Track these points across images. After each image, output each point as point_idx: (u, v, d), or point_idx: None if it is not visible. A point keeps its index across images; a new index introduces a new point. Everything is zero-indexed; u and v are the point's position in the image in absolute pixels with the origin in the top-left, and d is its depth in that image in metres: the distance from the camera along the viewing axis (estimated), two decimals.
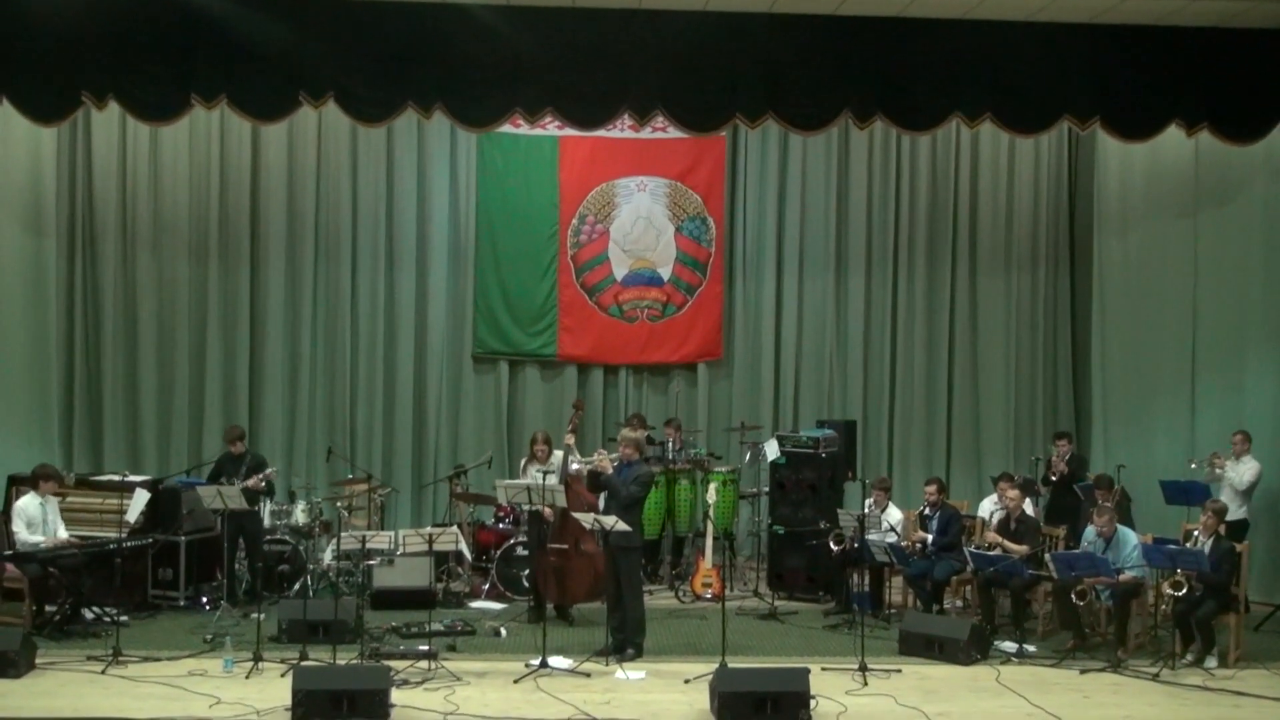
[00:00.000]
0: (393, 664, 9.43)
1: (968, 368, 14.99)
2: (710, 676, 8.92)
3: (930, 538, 11.54)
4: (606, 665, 9.87)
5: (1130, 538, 10.68)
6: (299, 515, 12.20)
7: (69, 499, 11.62)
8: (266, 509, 12.16)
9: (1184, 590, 9.92)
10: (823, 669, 9.62)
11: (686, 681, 9.42)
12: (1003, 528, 11.37)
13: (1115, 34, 11.49)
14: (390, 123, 12.50)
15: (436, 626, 10.60)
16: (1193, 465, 12.25)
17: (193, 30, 11.07)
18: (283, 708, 8.58)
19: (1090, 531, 10.86)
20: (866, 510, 11.50)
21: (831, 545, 11.57)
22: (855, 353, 14.93)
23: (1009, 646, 10.55)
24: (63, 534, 11.01)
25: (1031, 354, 15.03)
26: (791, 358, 14.93)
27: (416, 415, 14.63)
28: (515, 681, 9.45)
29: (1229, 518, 11.40)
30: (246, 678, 9.42)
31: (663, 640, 10.65)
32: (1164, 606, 10.65)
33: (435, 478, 14.26)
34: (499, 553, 12.16)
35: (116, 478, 12.08)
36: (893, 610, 11.80)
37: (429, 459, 14.63)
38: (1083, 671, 10.00)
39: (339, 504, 12.22)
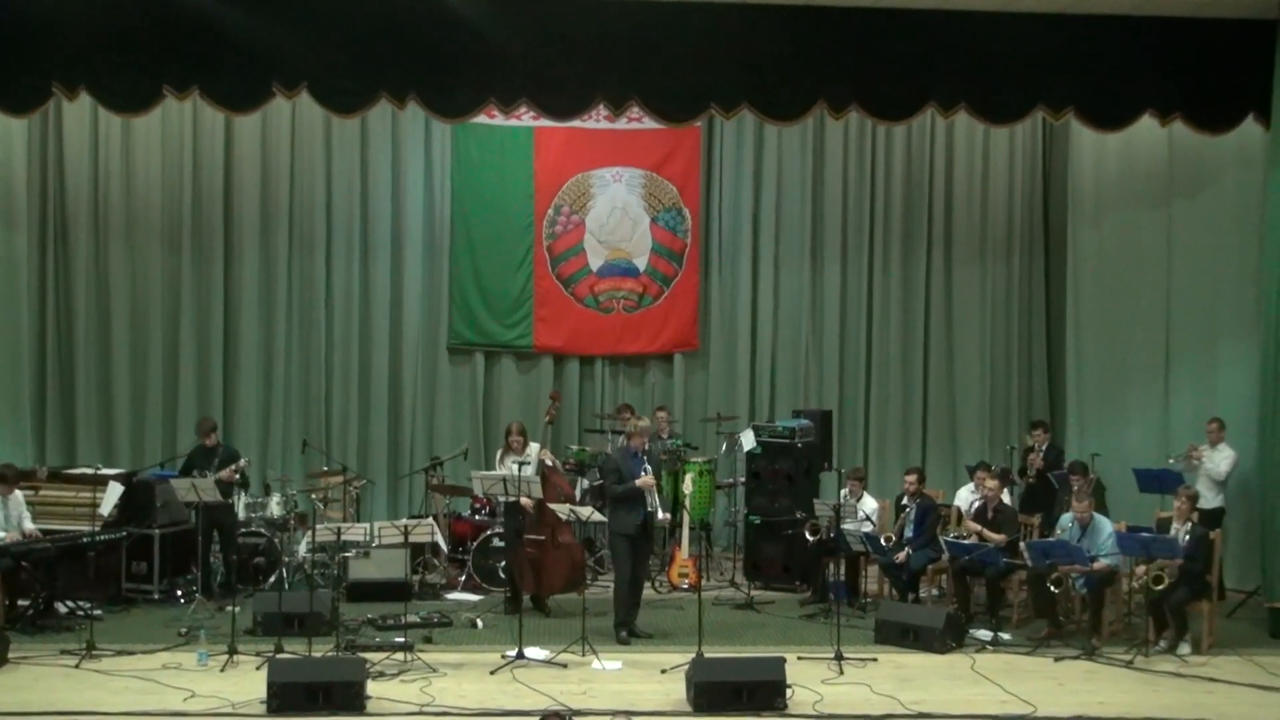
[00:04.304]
0: (368, 656, 9.45)
1: (943, 357, 14.99)
2: (686, 666, 8.96)
3: (906, 551, 11.37)
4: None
5: (1105, 526, 10.72)
6: (274, 508, 12.14)
7: (41, 492, 11.55)
8: (241, 501, 12.10)
9: (1163, 585, 9.99)
10: (799, 658, 9.67)
11: (663, 671, 9.43)
12: (980, 516, 11.40)
13: (1089, 24, 11.48)
14: (364, 113, 12.39)
15: (413, 618, 10.56)
16: (1170, 461, 12.22)
17: (164, 20, 10.97)
18: (258, 700, 8.56)
19: (1067, 518, 10.90)
20: (842, 500, 11.54)
21: (807, 535, 11.61)
22: (831, 343, 14.92)
23: (984, 635, 10.60)
24: (29, 525, 10.93)
25: (1006, 342, 15.05)
26: (767, 348, 14.91)
27: (392, 407, 14.56)
28: (492, 673, 9.45)
29: (1206, 505, 11.46)
30: (221, 671, 9.40)
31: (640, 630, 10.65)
32: (1136, 591, 10.71)
33: (411, 469, 14.18)
34: (475, 544, 12.14)
35: (90, 471, 11.94)
36: (868, 599, 11.82)
37: (405, 451, 14.55)
38: (1057, 659, 10.06)
39: (314, 496, 12.19)
